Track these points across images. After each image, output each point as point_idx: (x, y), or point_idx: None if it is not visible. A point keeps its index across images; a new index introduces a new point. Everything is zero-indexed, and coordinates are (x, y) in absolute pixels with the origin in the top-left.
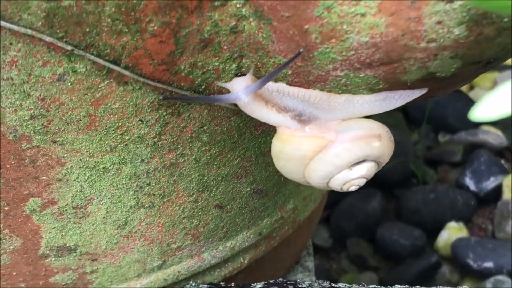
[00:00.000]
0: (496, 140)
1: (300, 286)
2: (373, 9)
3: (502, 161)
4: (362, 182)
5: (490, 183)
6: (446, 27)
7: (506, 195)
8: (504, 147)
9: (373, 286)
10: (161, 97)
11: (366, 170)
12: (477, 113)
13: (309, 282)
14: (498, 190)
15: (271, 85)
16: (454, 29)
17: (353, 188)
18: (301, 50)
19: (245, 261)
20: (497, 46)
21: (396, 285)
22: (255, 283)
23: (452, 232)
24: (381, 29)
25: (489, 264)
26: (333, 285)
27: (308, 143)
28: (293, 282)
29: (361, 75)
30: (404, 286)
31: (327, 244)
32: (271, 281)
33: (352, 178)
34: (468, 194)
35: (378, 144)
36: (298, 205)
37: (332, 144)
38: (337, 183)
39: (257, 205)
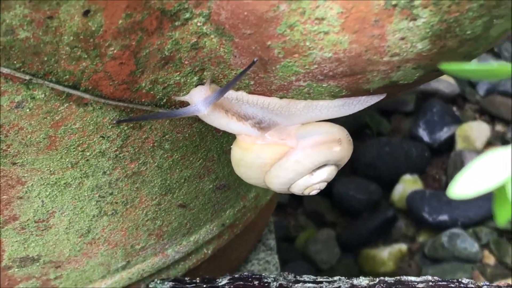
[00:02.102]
0: (448, 88)
1: (266, 280)
2: (336, 28)
3: (454, 108)
4: (323, 185)
5: (443, 134)
6: (410, 43)
7: (459, 145)
8: (456, 95)
9: (338, 277)
10: (114, 122)
11: (327, 174)
12: (454, 192)
13: (274, 276)
14: (451, 140)
15: (230, 93)
16: (417, 44)
17: (314, 192)
18: (255, 59)
19: (209, 252)
20: (459, 55)
21: (361, 277)
22: (221, 279)
23: (407, 185)
24: (345, 46)
25: (444, 217)
26: (298, 277)
27: (269, 151)
28: (258, 276)
29: (324, 85)
30: (368, 278)
31: (284, 199)
32: (236, 276)
33: (313, 183)
34: (422, 146)
35: (339, 148)
36: (259, 192)
37: (293, 150)
38: (298, 188)
39: (220, 199)
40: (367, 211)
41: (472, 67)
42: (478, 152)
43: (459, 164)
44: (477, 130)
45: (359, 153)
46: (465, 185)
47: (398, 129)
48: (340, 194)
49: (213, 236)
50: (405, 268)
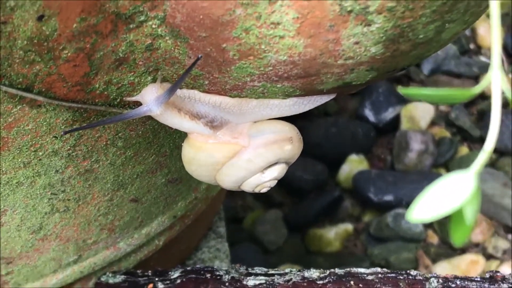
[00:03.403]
0: None
1: (217, 273)
2: (291, 32)
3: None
4: (274, 183)
5: (389, 114)
6: (364, 47)
7: (404, 125)
8: (401, 74)
9: (289, 269)
10: (62, 133)
11: (278, 172)
12: (413, 217)
13: (226, 269)
14: (396, 120)
15: (183, 92)
16: (371, 48)
17: (264, 190)
18: (199, 56)
19: (160, 243)
20: (412, 57)
21: (311, 269)
22: (173, 271)
23: (353, 165)
24: (300, 49)
25: (389, 198)
26: (250, 270)
27: (221, 150)
28: (210, 269)
29: (278, 86)
30: (318, 270)
31: None
32: (188, 268)
33: (264, 181)
34: (368, 126)
35: (290, 147)
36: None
37: (245, 149)
38: (249, 186)
39: (172, 192)
40: (314, 191)
41: (429, 92)
42: (423, 132)
43: (404, 144)
44: (421, 110)
45: (306, 133)
46: (423, 210)
47: (345, 108)
48: (287, 174)
49: (165, 228)
50: (351, 248)
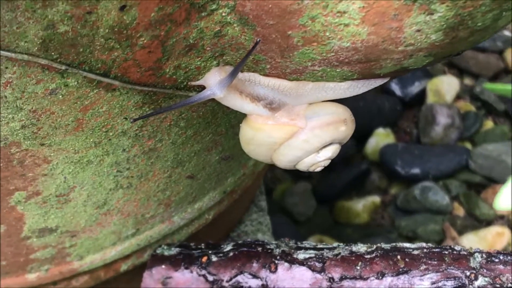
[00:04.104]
0: None
1: (268, 247)
2: (356, 20)
3: None
4: (328, 162)
5: (415, 88)
6: (425, 34)
7: (429, 99)
8: None
9: (337, 244)
10: (131, 121)
11: (332, 152)
12: (499, 205)
13: (276, 242)
14: (422, 94)
15: (244, 75)
16: (432, 35)
17: (319, 169)
18: (258, 40)
19: (210, 217)
20: (469, 43)
21: (359, 243)
22: (225, 245)
23: (380, 138)
24: (363, 36)
25: (416, 171)
26: (299, 244)
27: (280, 131)
28: (261, 243)
29: (337, 70)
30: (366, 245)
31: None
32: (240, 242)
33: (319, 161)
34: (394, 99)
35: (344, 128)
36: None
37: (302, 131)
38: (304, 166)
39: (224, 168)
40: (341, 164)
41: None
42: (448, 106)
43: (430, 118)
44: (447, 84)
45: None
46: (508, 199)
47: None
48: None
49: (215, 202)
50: (378, 220)
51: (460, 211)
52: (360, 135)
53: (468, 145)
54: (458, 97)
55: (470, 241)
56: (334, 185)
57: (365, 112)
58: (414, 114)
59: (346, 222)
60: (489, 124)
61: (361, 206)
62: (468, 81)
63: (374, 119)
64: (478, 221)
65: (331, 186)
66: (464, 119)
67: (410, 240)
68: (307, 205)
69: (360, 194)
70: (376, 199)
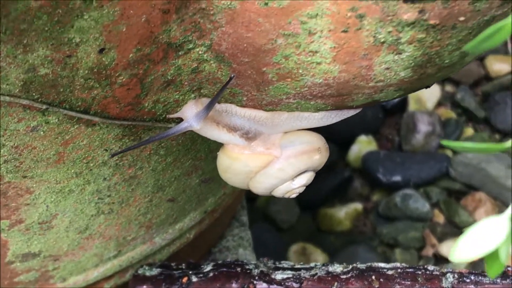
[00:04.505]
0: None
1: (247, 267)
2: (328, 59)
3: None
4: (302, 189)
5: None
6: (394, 71)
7: (411, 106)
8: None
9: (314, 264)
10: (110, 156)
11: (306, 179)
12: (455, 258)
13: (255, 262)
14: (404, 101)
15: (221, 106)
16: (401, 72)
17: (294, 196)
18: (232, 75)
19: (191, 236)
20: (437, 78)
21: (335, 263)
22: (205, 265)
23: (363, 146)
24: (335, 74)
25: (397, 178)
26: (277, 264)
27: (256, 160)
28: (240, 263)
29: (311, 103)
30: (342, 265)
31: None
32: (220, 262)
33: (294, 188)
34: (376, 107)
35: (318, 156)
36: None
37: (277, 159)
38: (280, 192)
39: (204, 190)
40: (324, 171)
41: (469, 145)
42: (429, 113)
43: (411, 125)
44: (428, 91)
45: None
46: (463, 251)
47: None
48: None
49: (196, 222)
50: (360, 227)
51: (440, 218)
52: (343, 142)
53: (448, 153)
54: (439, 104)
55: (450, 248)
56: (317, 192)
57: (348, 120)
58: (396, 121)
59: (329, 229)
60: (469, 131)
61: (344, 213)
62: (449, 88)
63: (356, 127)
64: (458, 228)
65: (314, 193)
66: (444, 126)
67: (391, 247)
68: (290, 213)
69: (343, 201)
70: (358, 206)
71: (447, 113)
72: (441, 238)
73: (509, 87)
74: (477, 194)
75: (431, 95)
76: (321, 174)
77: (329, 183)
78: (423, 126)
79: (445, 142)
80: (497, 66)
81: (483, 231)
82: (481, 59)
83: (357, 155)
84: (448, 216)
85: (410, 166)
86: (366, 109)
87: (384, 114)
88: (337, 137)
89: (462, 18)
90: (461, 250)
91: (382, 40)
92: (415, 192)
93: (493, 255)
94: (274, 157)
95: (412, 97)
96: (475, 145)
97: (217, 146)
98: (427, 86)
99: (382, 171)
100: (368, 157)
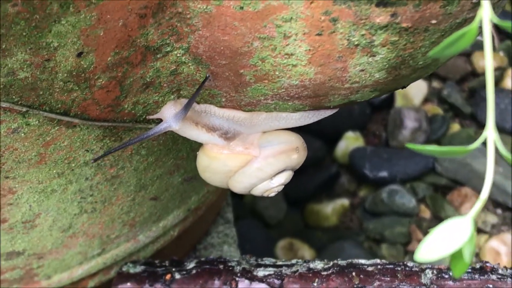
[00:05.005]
0: None
1: (230, 264)
2: (303, 62)
3: None
4: (281, 188)
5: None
6: (368, 73)
7: (398, 102)
8: None
9: (295, 260)
10: (92, 161)
11: (285, 178)
12: (420, 258)
13: (237, 260)
14: (391, 97)
15: (200, 107)
16: (375, 74)
17: (272, 194)
18: (207, 75)
19: (175, 233)
20: (412, 79)
21: (316, 260)
22: (188, 262)
23: (350, 142)
24: (310, 75)
25: (383, 174)
26: (259, 261)
27: (234, 160)
28: (222, 260)
29: (289, 103)
30: (322, 262)
31: None
32: (203, 259)
33: (272, 187)
34: (363, 102)
35: (296, 156)
36: None
37: (256, 159)
38: (258, 192)
39: (187, 188)
40: (312, 167)
41: (433, 148)
42: (416, 109)
43: (398, 122)
44: (415, 87)
45: None
46: (428, 251)
47: None
48: None
49: (180, 220)
50: (347, 223)
51: (426, 213)
52: (330, 138)
53: None
54: (426, 100)
55: None
56: (304, 188)
57: (335, 116)
58: (383, 117)
59: (316, 225)
60: (455, 127)
61: (331, 209)
62: (436, 84)
63: (343, 123)
64: None
65: (301, 189)
66: (431, 122)
67: (378, 242)
68: (277, 208)
69: (330, 197)
70: (345, 202)
71: (434, 109)
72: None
73: (496, 83)
74: (463, 189)
75: (418, 91)
76: (308, 170)
77: (316, 179)
78: (410, 122)
79: (410, 145)
80: (484, 62)
81: (448, 232)
82: (467, 55)
83: (344, 151)
84: (434, 211)
85: (397, 162)
86: (353, 105)
87: (371, 110)
88: (324, 133)
89: (434, 21)
90: (426, 250)
91: (356, 42)
92: (401, 187)
93: (458, 255)
94: (252, 157)
95: (399, 93)
96: (437, 148)
97: (199, 145)
98: (403, 87)
99: (369, 167)
100: (355, 153)
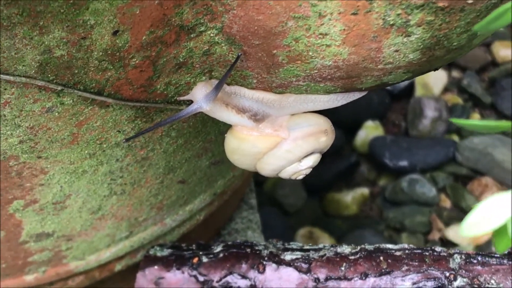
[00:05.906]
0: None
1: (257, 248)
2: (338, 42)
3: None
4: (309, 171)
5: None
6: (403, 54)
7: (418, 91)
8: None
9: (322, 245)
10: (123, 141)
11: (313, 161)
12: (465, 233)
13: (264, 244)
14: (410, 87)
15: (230, 88)
16: (410, 54)
17: (301, 177)
18: (239, 54)
19: (201, 218)
20: (445, 60)
21: (343, 245)
22: (215, 246)
23: (369, 131)
24: (344, 56)
25: (403, 163)
26: (286, 245)
27: (264, 141)
28: (249, 244)
29: (321, 85)
30: (350, 246)
31: None
32: (230, 243)
33: (301, 169)
34: (383, 92)
35: (325, 138)
36: None
37: (285, 141)
38: (287, 174)
39: (214, 172)
40: (331, 156)
41: (478, 123)
42: (436, 99)
43: (418, 111)
44: (434, 77)
45: None
46: (472, 226)
47: None
48: None
49: (206, 204)
50: (367, 211)
51: (446, 203)
52: (350, 128)
53: (455, 138)
54: (445, 89)
55: (456, 232)
56: (324, 177)
57: (354, 105)
58: (403, 106)
59: (336, 213)
60: (475, 116)
61: (350, 198)
62: (455, 73)
63: (363, 112)
64: (464, 213)
65: (321, 178)
66: (451, 112)
67: (398, 231)
68: (297, 197)
69: (350, 186)
70: (365, 191)
71: (454, 98)
72: (448, 223)
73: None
74: (483, 179)
75: (437, 81)
76: (328, 159)
77: (336, 168)
78: (430, 112)
79: (454, 120)
80: (504, 52)
81: (491, 207)
82: (487, 45)
83: (364, 140)
84: (455, 201)
85: (417, 151)
86: (373, 94)
87: (390, 100)
88: (344, 123)
89: (470, 1)
90: (471, 225)
91: (391, 22)
92: (421, 177)
93: (501, 231)
94: (281, 139)
95: (418, 82)
96: (482, 122)
97: (227, 128)
98: (436, 69)
99: (389, 156)
100: (374, 142)
